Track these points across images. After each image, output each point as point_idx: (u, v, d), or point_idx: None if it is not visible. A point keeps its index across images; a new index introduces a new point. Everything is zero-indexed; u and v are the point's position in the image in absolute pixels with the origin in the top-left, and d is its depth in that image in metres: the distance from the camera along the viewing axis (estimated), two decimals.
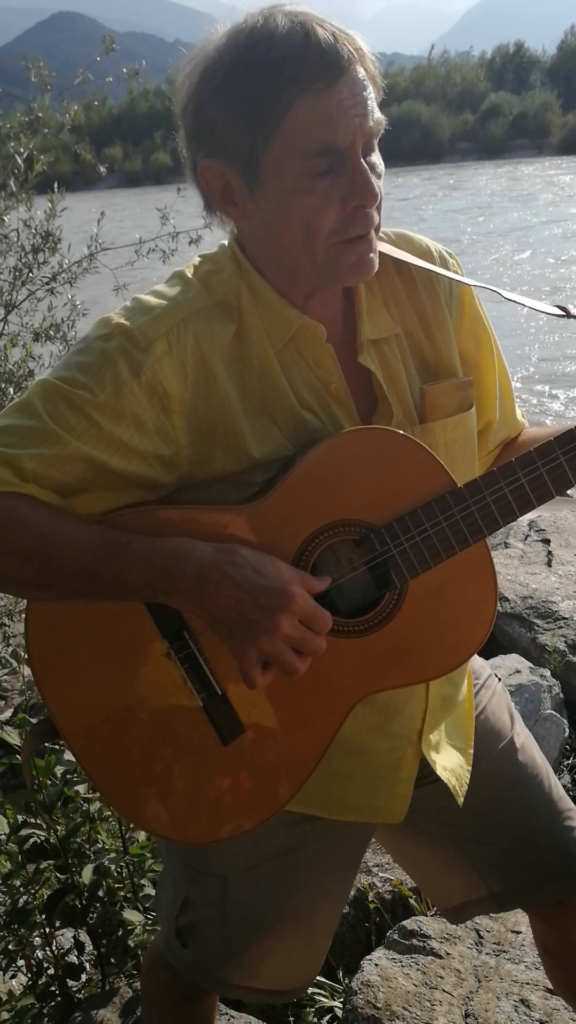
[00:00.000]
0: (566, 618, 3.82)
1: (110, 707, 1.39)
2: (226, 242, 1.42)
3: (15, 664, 3.11)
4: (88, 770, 1.42)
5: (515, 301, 1.51)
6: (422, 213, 27.44)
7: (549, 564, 4.35)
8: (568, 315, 1.52)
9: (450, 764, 1.54)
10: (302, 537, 1.33)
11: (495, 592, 1.39)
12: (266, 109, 1.23)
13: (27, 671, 3.31)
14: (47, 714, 1.42)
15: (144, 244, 4.22)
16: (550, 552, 4.45)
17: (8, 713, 4.02)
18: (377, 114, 1.28)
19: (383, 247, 1.43)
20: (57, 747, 2.22)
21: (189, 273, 1.39)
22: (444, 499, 1.33)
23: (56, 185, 3.94)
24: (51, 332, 4.10)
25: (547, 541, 4.56)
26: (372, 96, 1.27)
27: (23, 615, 1.41)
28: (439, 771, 1.51)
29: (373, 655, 1.37)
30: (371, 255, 1.33)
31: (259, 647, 1.28)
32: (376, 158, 1.31)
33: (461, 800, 1.54)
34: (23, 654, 2.40)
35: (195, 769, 1.39)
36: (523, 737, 1.68)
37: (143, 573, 1.28)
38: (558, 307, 1.53)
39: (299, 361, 1.37)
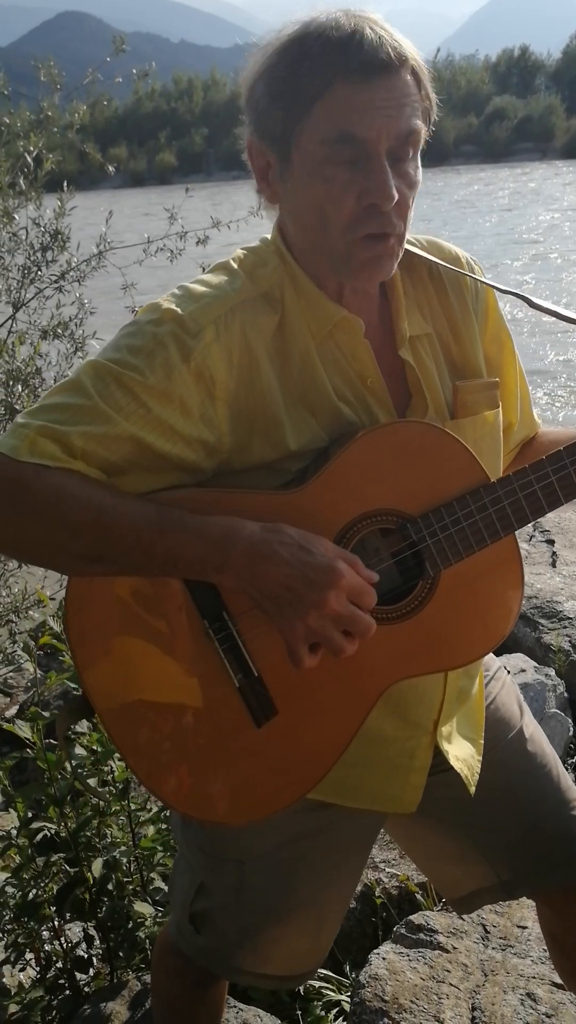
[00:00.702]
0: (571, 618, 3.83)
1: (145, 686, 1.40)
2: (269, 236, 1.45)
3: (26, 658, 3.12)
4: (120, 747, 1.43)
5: (544, 308, 1.53)
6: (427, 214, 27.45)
7: (554, 564, 4.37)
8: None
9: (462, 754, 1.56)
10: (341, 524, 1.36)
11: (521, 585, 1.43)
12: (301, 91, 1.28)
13: (32, 668, 3.32)
14: (81, 691, 1.43)
15: (152, 243, 4.23)
16: (555, 553, 4.47)
17: (14, 710, 4.03)
18: (416, 121, 1.30)
19: (417, 252, 1.48)
20: (77, 734, 2.24)
21: (234, 264, 1.42)
22: (478, 492, 1.37)
23: (66, 184, 3.96)
24: (59, 330, 4.11)
25: (551, 542, 4.57)
26: (415, 105, 1.29)
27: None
28: (452, 760, 1.53)
29: (404, 642, 1.40)
30: (386, 259, 1.35)
31: (307, 623, 1.29)
32: (411, 167, 1.32)
33: (473, 789, 1.56)
34: (33, 647, 2.40)
35: (227, 750, 1.41)
36: (532, 728, 1.71)
37: (196, 548, 1.30)
38: None
39: (337, 354, 1.40)
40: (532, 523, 4.74)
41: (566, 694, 3.45)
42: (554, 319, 1.55)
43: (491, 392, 1.51)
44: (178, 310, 1.34)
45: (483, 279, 1.54)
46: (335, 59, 1.25)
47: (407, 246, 1.44)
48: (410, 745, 1.51)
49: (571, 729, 3.36)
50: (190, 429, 1.33)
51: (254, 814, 1.43)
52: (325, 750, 1.42)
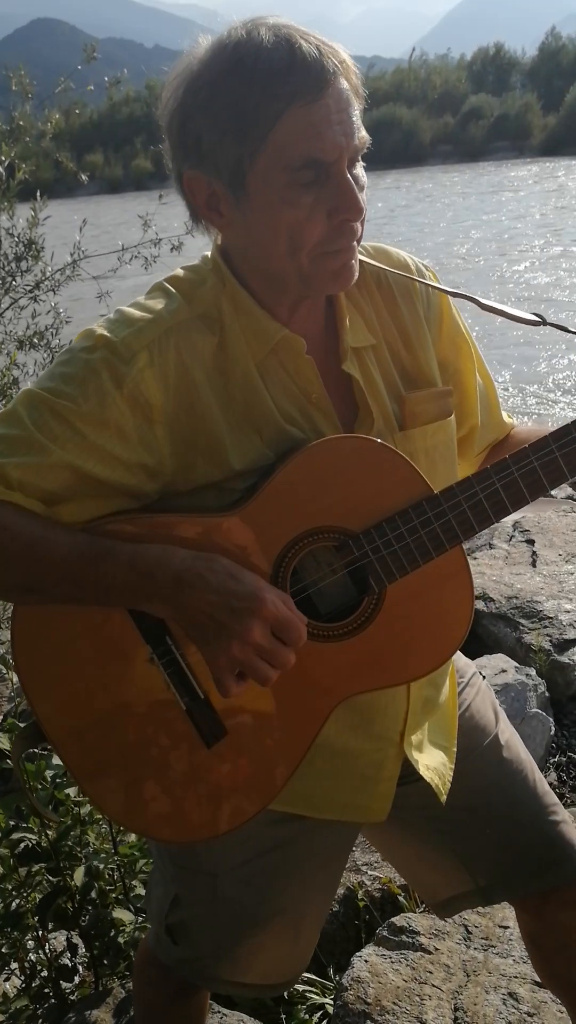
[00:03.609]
0: (551, 617, 3.86)
1: (96, 712, 1.41)
2: (209, 253, 1.44)
3: (4, 671, 3.12)
4: (75, 774, 1.44)
5: (493, 309, 1.53)
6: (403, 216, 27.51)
7: (534, 564, 4.39)
8: (544, 323, 1.55)
9: (433, 763, 1.56)
10: (282, 544, 1.35)
11: (471, 595, 1.41)
12: (252, 123, 1.25)
13: (16, 678, 3.32)
14: (34, 719, 1.44)
15: (127, 251, 4.24)
16: (535, 552, 4.49)
17: None
18: (362, 132, 1.31)
19: (365, 260, 1.47)
20: (45, 752, 2.24)
21: (171, 286, 1.42)
22: (421, 505, 1.36)
23: (39, 194, 3.96)
24: (35, 340, 4.11)
25: (531, 541, 4.59)
26: (357, 111, 1.30)
27: (10, 622, 1.43)
28: (422, 770, 1.53)
29: (353, 658, 1.39)
30: (352, 262, 1.36)
31: (231, 654, 1.29)
32: (359, 170, 1.33)
33: (444, 798, 1.56)
34: (11, 660, 2.41)
35: (180, 772, 1.41)
36: (507, 734, 1.71)
37: (126, 578, 1.31)
38: (534, 315, 1.55)
39: (280, 372, 1.40)
40: (512, 523, 4.78)
41: (547, 694, 3.47)
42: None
43: (443, 401, 1.50)
44: (111, 336, 1.34)
45: (432, 283, 1.53)
46: (283, 86, 1.23)
47: None
48: (377, 757, 1.52)
49: (552, 729, 3.38)
50: (129, 454, 1.33)
51: (211, 833, 1.44)
52: (278, 767, 1.42)
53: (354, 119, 1.29)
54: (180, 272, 1.45)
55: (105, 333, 1.35)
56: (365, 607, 1.39)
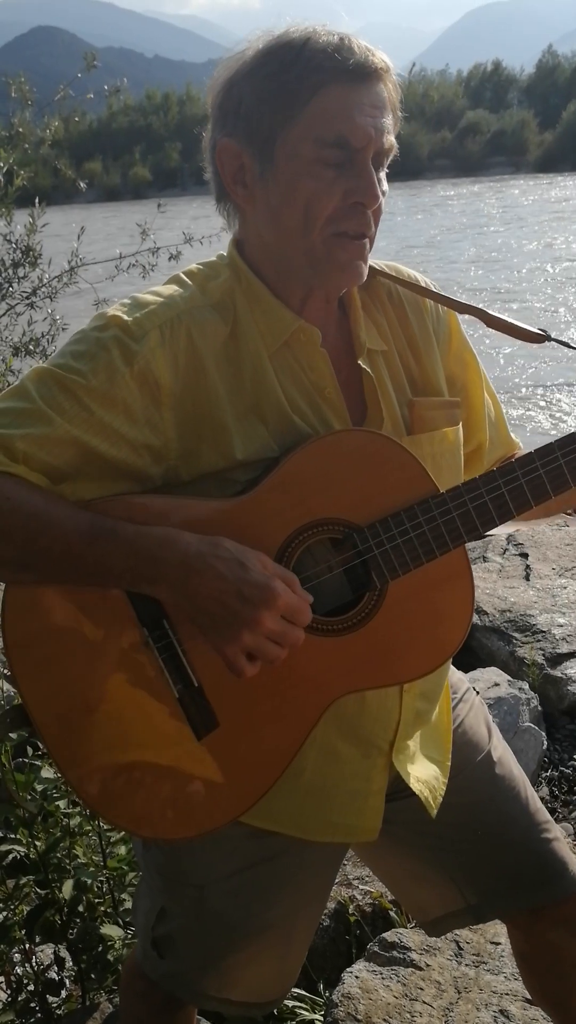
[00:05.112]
0: (544, 631, 3.85)
1: (84, 696, 1.38)
2: (225, 252, 1.46)
3: None
4: (58, 759, 1.40)
5: (501, 322, 1.54)
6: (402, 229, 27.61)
7: (527, 578, 4.38)
8: (548, 339, 1.55)
9: (424, 775, 1.55)
10: (286, 533, 1.35)
11: (472, 597, 1.41)
12: (293, 91, 1.30)
13: (1, 685, 3.30)
14: (18, 702, 1.41)
15: (124, 259, 4.23)
16: (528, 566, 4.48)
17: None
18: (391, 137, 1.35)
19: (376, 272, 1.50)
20: (36, 763, 2.22)
21: (186, 277, 1.43)
22: (426, 503, 1.36)
23: (37, 200, 3.95)
24: (31, 347, 4.10)
25: (525, 555, 4.59)
26: (390, 119, 1.34)
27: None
28: (412, 783, 1.52)
29: (351, 654, 1.38)
30: (361, 262, 1.38)
31: (242, 641, 1.29)
32: (383, 175, 1.37)
33: (434, 812, 1.54)
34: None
35: (166, 762, 1.39)
36: (500, 750, 1.70)
37: (127, 559, 1.29)
38: (539, 330, 1.56)
39: (293, 364, 1.41)
40: (506, 537, 4.78)
41: (540, 708, 3.46)
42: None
43: (451, 410, 1.51)
44: (123, 316, 1.35)
45: (442, 294, 1.55)
46: (329, 60, 1.28)
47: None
48: (365, 766, 1.50)
49: (544, 743, 3.37)
50: (135, 433, 1.33)
51: (195, 829, 1.40)
52: (269, 764, 1.40)
53: (387, 122, 1.33)
54: (195, 266, 1.46)
55: (118, 314, 1.36)
56: (366, 603, 1.38)
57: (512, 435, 1.72)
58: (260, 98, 1.32)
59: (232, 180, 1.39)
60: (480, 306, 1.55)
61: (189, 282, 1.42)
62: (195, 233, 4.00)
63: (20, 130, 4.21)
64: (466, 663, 3.82)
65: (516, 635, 3.86)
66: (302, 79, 1.29)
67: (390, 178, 1.40)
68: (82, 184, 4.92)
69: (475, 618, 4.00)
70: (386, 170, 1.38)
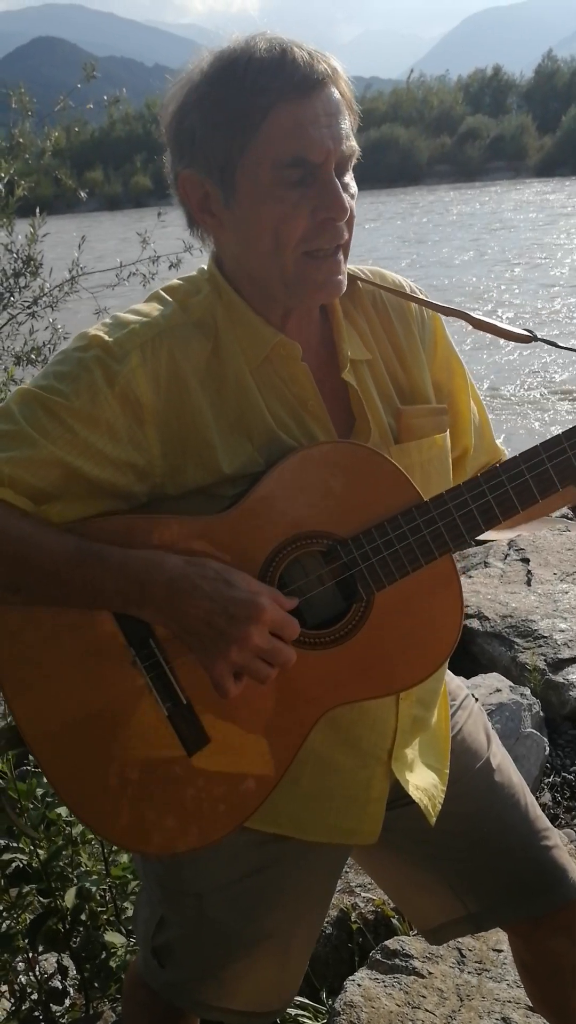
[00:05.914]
0: (545, 637, 3.85)
1: (75, 714, 1.39)
2: (205, 265, 1.46)
3: None
4: (51, 777, 1.42)
5: (486, 324, 1.54)
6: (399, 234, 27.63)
7: (528, 583, 4.38)
8: (535, 339, 1.55)
9: (423, 783, 1.55)
10: (270, 548, 1.35)
11: (460, 605, 1.41)
12: (243, 117, 1.29)
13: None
14: (11, 720, 1.42)
15: (125, 268, 4.25)
16: (529, 571, 4.48)
17: None
18: (351, 141, 1.33)
19: (359, 279, 1.50)
20: (38, 769, 2.22)
21: (166, 294, 1.44)
22: (410, 512, 1.36)
23: (38, 210, 3.97)
24: (32, 356, 4.11)
25: (526, 560, 4.59)
26: (347, 121, 1.33)
27: None
28: (411, 791, 1.52)
29: (339, 666, 1.38)
30: (339, 276, 1.37)
31: (230, 658, 1.29)
32: (349, 179, 1.35)
33: (433, 820, 1.54)
34: None
35: (159, 779, 1.39)
36: (499, 757, 1.70)
37: (115, 582, 1.30)
38: (525, 330, 1.56)
39: (275, 378, 1.41)
40: (507, 542, 4.78)
41: (542, 713, 3.46)
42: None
43: (438, 417, 1.52)
44: (105, 336, 1.35)
45: (425, 300, 1.55)
46: (273, 80, 1.27)
47: (351, 273, 1.46)
48: (364, 775, 1.50)
49: (547, 748, 3.37)
50: (118, 452, 1.34)
51: (190, 844, 1.41)
52: (262, 777, 1.40)
53: (343, 126, 1.31)
54: (176, 282, 1.47)
55: (99, 334, 1.36)
56: (353, 615, 1.38)
57: (496, 442, 1.71)
58: (212, 127, 1.31)
59: (199, 209, 1.39)
60: (463, 309, 1.56)
61: (170, 299, 1.42)
62: (194, 242, 4.00)
63: (20, 140, 4.22)
64: (467, 669, 3.82)
65: (518, 640, 3.87)
66: (250, 103, 1.28)
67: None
68: (83, 193, 4.94)
69: (476, 623, 4.00)
70: (350, 173, 1.36)
